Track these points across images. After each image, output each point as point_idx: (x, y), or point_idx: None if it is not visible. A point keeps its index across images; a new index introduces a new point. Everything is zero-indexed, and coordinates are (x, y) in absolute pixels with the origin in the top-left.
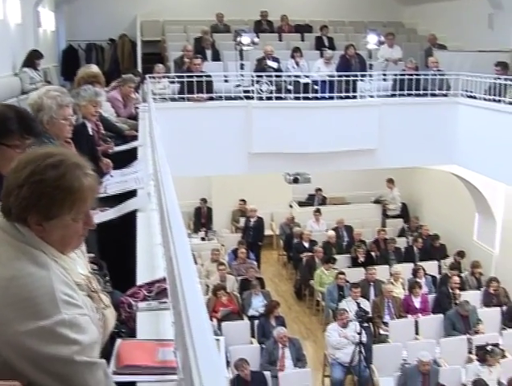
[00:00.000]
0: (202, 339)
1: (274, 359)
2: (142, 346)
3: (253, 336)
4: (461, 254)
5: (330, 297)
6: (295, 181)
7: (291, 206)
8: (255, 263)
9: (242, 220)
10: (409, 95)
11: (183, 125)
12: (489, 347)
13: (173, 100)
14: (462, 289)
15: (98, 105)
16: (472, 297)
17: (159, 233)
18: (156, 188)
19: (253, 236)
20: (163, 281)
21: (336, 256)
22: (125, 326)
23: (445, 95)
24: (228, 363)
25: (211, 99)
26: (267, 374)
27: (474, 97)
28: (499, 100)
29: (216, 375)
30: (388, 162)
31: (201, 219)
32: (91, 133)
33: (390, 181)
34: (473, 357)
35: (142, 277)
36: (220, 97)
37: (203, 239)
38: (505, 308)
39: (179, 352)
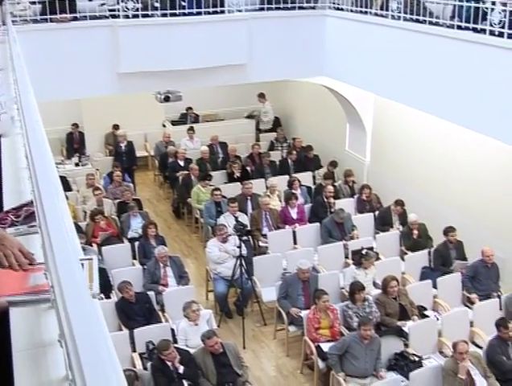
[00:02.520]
0: (65, 259)
1: (157, 278)
2: (13, 273)
3: (134, 258)
4: (334, 164)
5: (208, 214)
6: (166, 99)
7: (164, 125)
8: (131, 185)
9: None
10: (277, 8)
11: (47, 48)
12: (363, 251)
13: (35, 21)
14: (336, 197)
15: None
16: (347, 204)
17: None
18: (19, 111)
19: (126, 161)
20: (30, 205)
21: (212, 173)
22: None
23: (313, 7)
24: (111, 286)
25: (75, 19)
26: (151, 294)
27: (341, 9)
28: (366, 12)
29: (80, 294)
30: (258, 76)
31: (74, 145)
32: None
33: (261, 95)
34: (350, 261)
35: (9, 203)
36: (85, 17)
37: (77, 164)
38: (377, 213)
39: (49, 274)
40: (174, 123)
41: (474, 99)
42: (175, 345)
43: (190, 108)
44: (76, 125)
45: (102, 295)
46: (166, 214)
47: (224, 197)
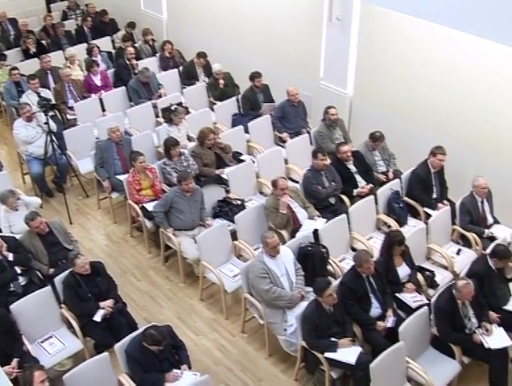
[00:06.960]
0: None
1: None
2: None
3: None
4: (132, 25)
5: (9, 95)
6: None
7: None
8: None
9: None
10: None
11: None
12: (172, 108)
13: None
14: (138, 58)
15: None
16: (150, 63)
17: None
18: None
19: None
20: None
21: (6, 52)
22: None
23: None
24: None
25: None
26: None
27: None
28: None
29: None
30: None
31: None
32: None
33: None
34: (161, 120)
35: None
36: None
37: None
38: (181, 68)
39: None
40: None
41: None
42: (0, 234)
43: None
44: None
45: None
46: None
47: (23, 75)
